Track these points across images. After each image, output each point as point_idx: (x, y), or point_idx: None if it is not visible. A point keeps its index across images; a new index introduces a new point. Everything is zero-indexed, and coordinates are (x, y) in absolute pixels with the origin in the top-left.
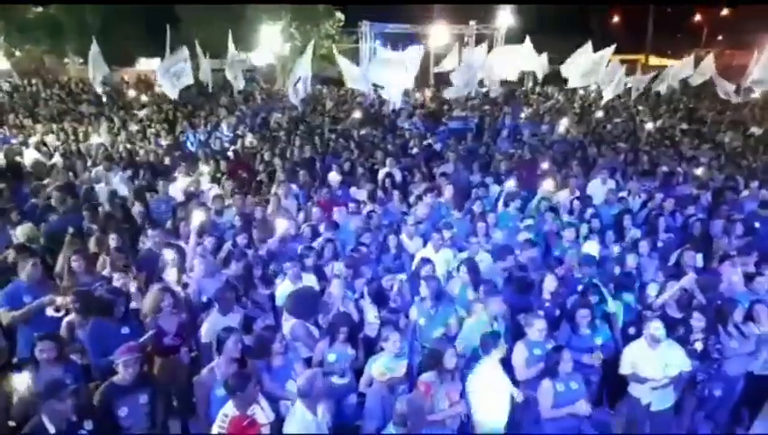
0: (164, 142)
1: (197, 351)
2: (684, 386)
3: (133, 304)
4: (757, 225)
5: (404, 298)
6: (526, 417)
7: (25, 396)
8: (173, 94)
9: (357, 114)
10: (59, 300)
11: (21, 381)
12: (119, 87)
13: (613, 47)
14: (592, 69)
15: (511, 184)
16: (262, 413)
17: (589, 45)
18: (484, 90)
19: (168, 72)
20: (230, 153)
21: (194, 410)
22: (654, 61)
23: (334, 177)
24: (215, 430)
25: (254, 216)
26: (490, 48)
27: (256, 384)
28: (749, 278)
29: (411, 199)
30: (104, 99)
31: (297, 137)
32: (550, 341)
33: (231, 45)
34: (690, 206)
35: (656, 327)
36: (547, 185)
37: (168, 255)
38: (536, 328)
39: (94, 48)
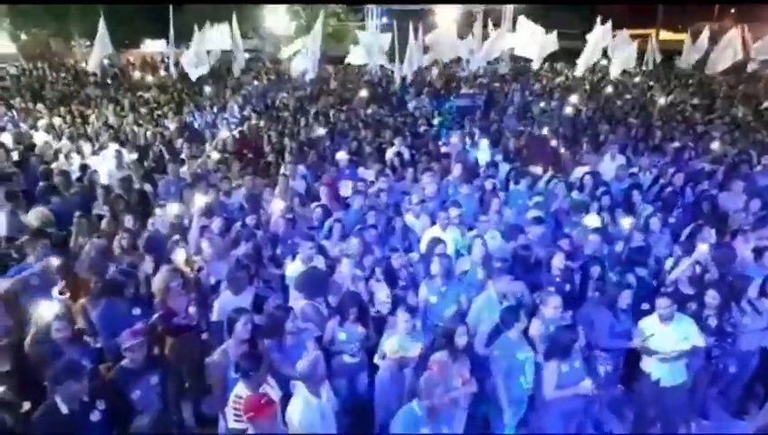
0: (171, 124)
1: (208, 331)
2: (698, 362)
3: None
4: None
5: (417, 277)
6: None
7: (43, 327)
8: (193, 76)
9: (364, 93)
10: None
11: (49, 309)
12: (124, 69)
13: (598, 24)
14: (593, 49)
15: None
16: (272, 391)
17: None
18: (494, 67)
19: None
20: (235, 133)
21: (206, 390)
22: (665, 35)
23: (342, 156)
24: (229, 412)
25: (263, 196)
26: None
27: (268, 364)
28: (758, 253)
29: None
30: (109, 81)
31: (304, 117)
32: (565, 317)
33: (236, 27)
34: (704, 181)
35: (662, 306)
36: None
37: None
38: (551, 306)
39: (101, 28)
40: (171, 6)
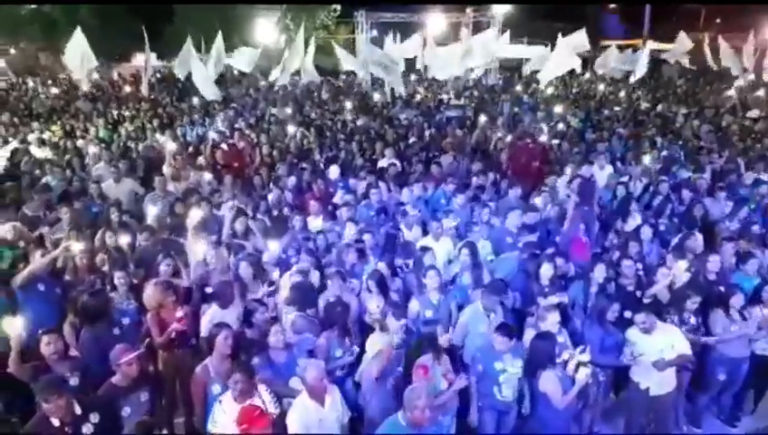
0: (161, 138)
1: (198, 345)
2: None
3: None
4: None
5: (407, 286)
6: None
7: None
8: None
9: (354, 105)
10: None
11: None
12: (114, 82)
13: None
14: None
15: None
16: (264, 405)
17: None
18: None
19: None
20: (224, 146)
21: None
22: (652, 46)
23: (334, 170)
24: (210, 419)
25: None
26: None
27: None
28: (742, 260)
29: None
30: (95, 92)
31: (296, 129)
32: (561, 331)
33: (220, 43)
34: (685, 189)
35: (640, 320)
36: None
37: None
38: (550, 322)
39: (81, 40)
40: (165, 21)
